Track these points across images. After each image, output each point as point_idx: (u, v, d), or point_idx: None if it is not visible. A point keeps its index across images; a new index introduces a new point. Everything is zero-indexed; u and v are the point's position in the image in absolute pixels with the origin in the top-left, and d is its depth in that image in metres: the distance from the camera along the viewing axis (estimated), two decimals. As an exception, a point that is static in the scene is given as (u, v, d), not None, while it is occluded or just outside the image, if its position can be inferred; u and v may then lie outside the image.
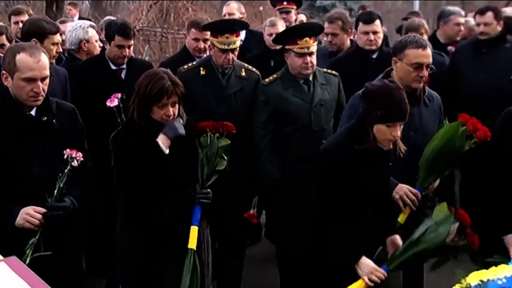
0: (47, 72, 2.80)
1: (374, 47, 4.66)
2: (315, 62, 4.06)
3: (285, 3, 6.16)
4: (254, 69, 4.30)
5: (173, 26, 12.77)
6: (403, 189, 3.24)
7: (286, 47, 4.08)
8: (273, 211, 4.33)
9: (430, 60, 3.37)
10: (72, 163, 2.85)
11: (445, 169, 3.35)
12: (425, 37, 5.17)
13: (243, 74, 4.19)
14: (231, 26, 4.10)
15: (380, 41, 4.69)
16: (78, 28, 4.83)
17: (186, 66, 4.19)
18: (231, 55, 4.03)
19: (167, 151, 3.06)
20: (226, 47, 3.99)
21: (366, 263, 2.90)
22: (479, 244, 3.03)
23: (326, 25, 5.29)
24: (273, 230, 4.46)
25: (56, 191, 2.85)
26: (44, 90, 2.80)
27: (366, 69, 4.47)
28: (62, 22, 5.14)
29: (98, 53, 4.67)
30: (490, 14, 4.90)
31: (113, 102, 3.54)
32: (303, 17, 7.25)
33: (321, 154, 3.07)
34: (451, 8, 6.43)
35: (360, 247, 2.96)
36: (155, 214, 3.10)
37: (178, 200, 3.17)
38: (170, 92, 3.00)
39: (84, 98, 4.04)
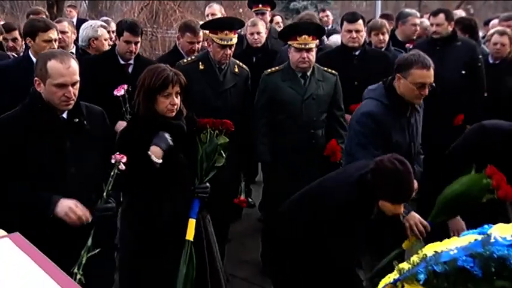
0: (77, 77, 2.66)
1: (357, 45, 4.61)
2: (312, 58, 4.03)
3: (260, 5, 6.15)
4: (244, 65, 4.26)
5: (162, 26, 12.75)
6: (414, 219, 3.00)
7: (288, 42, 4.08)
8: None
9: (432, 79, 3.22)
10: (119, 166, 2.71)
11: (457, 213, 3.15)
12: (386, 36, 5.17)
13: (236, 70, 4.15)
14: (231, 24, 4.04)
15: (362, 39, 4.65)
16: (88, 27, 4.82)
17: (185, 60, 4.12)
18: (228, 51, 3.97)
19: (160, 161, 2.89)
20: (225, 42, 3.92)
21: None
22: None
23: (298, 25, 5.25)
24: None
25: (104, 194, 2.73)
26: (74, 95, 2.66)
27: (349, 64, 4.50)
28: (58, 22, 5.06)
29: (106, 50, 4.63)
30: (441, 16, 4.91)
31: (120, 91, 3.49)
32: (278, 19, 7.20)
33: (329, 204, 2.81)
34: (408, 10, 6.45)
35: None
36: (157, 209, 2.97)
37: (178, 195, 3.05)
38: (175, 81, 2.91)
39: (94, 87, 3.96)
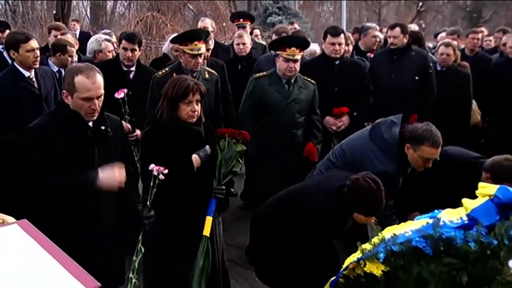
0: (102, 91, 2.54)
1: (338, 56, 4.52)
2: (297, 68, 3.97)
3: (241, 20, 6.22)
4: (213, 70, 4.16)
5: (155, 38, 12.73)
6: None
7: (277, 52, 3.99)
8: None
9: (438, 154, 3.07)
10: (159, 177, 2.64)
11: None
12: (350, 47, 5.18)
13: (207, 76, 4.04)
14: (198, 35, 3.95)
15: (343, 51, 4.58)
16: (94, 41, 4.79)
17: (160, 72, 3.94)
18: (199, 59, 3.87)
19: (195, 169, 2.87)
20: (195, 52, 3.81)
21: None
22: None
23: (274, 37, 5.27)
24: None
25: (148, 203, 2.68)
26: (99, 106, 2.55)
27: (330, 73, 4.46)
28: (63, 34, 5.00)
29: None
30: (397, 29, 4.93)
31: (120, 94, 3.44)
32: (257, 31, 7.20)
33: (309, 211, 2.75)
34: (369, 24, 6.49)
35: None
36: (174, 211, 2.88)
37: (195, 196, 2.95)
38: (195, 90, 2.83)
39: None
